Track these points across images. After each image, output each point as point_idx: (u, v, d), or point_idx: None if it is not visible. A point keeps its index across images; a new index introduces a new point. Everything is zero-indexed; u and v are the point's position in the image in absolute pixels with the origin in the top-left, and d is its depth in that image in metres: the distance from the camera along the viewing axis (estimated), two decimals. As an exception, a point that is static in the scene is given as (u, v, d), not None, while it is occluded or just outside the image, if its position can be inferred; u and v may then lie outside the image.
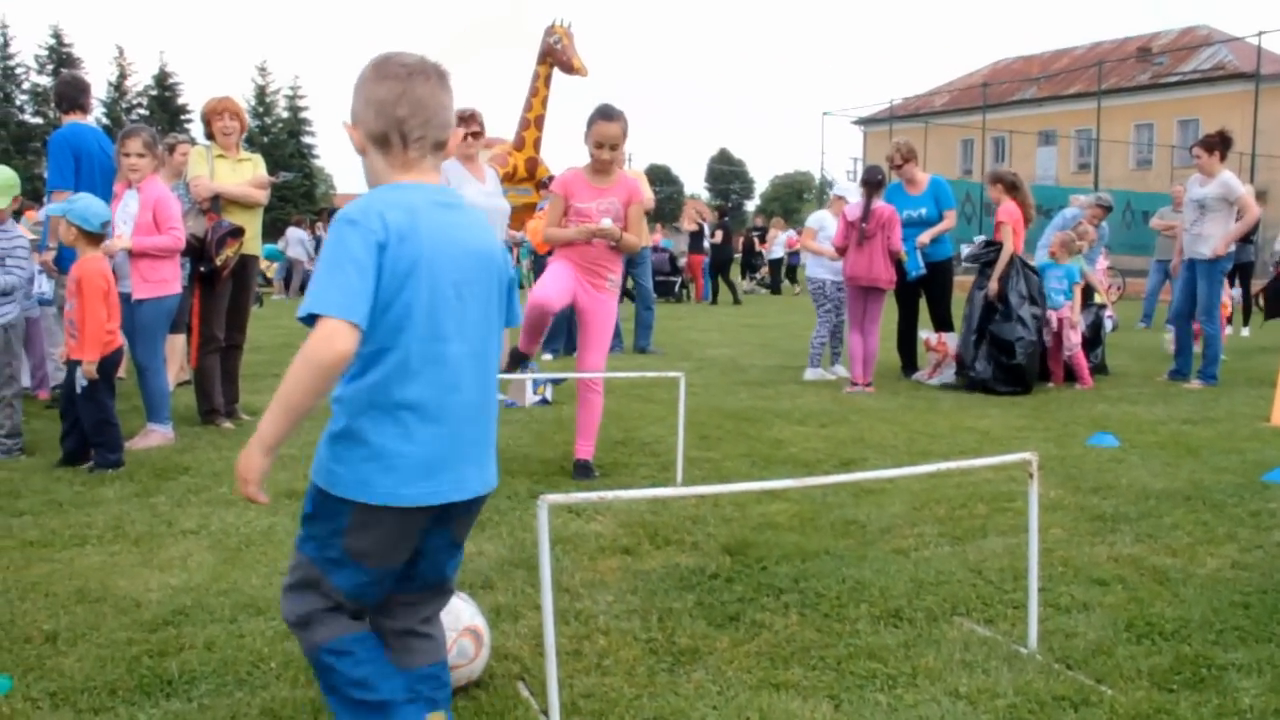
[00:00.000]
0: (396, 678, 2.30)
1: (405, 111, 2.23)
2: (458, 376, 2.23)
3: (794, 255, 26.56)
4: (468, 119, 7.56)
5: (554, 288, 5.42)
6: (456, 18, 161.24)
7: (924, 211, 9.33)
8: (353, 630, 2.28)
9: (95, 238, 5.60)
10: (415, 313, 2.17)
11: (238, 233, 6.70)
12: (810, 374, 9.59)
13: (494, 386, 2.36)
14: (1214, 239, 8.77)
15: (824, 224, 9.73)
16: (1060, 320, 9.00)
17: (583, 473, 5.49)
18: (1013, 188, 9.06)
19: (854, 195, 9.60)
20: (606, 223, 5.41)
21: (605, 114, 5.42)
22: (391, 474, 2.18)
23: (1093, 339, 9.61)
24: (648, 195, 11.28)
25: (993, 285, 8.72)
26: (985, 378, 8.64)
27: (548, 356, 10.84)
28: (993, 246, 9.00)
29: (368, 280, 2.11)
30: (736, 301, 22.26)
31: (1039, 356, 8.84)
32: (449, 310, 2.21)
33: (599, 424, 5.66)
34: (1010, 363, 8.57)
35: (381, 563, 2.26)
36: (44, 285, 7.86)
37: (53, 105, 7.57)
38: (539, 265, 13.09)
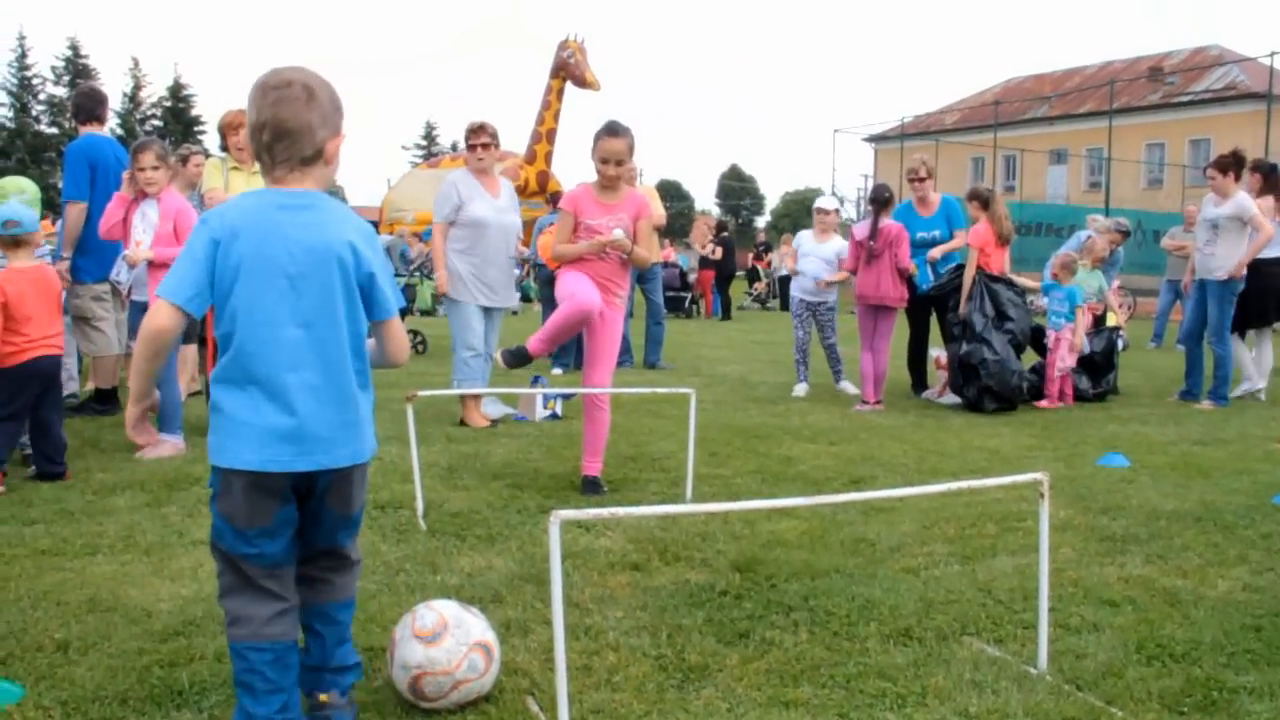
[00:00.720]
0: (276, 698, 2.52)
1: (269, 137, 2.52)
2: (297, 358, 2.50)
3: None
4: (477, 130, 7.46)
5: (588, 288, 5.33)
6: (456, 18, 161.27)
7: (937, 234, 9.32)
8: (254, 639, 2.53)
9: (5, 242, 5.46)
10: (247, 301, 2.48)
11: None
12: (796, 389, 9.70)
13: (347, 367, 2.58)
14: (1228, 259, 8.76)
15: (801, 243, 9.79)
16: (1059, 340, 8.98)
17: (592, 489, 5.49)
18: (986, 205, 9.06)
19: (831, 205, 9.77)
20: (618, 233, 5.38)
21: (611, 130, 5.41)
22: (238, 440, 2.49)
23: (1105, 363, 9.58)
24: (659, 211, 11.30)
25: (962, 308, 8.74)
26: (973, 399, 8.69)
27: (557, 371, 10.86)
28: (961, 270, 9.00)
29: (199, 269, 2.48)
30: (726, 316, 22.30)
31: (1023, 374, 8.77)
32: (282, 299, 2.49)
33: (606, 440, 5.64)
34: (982, 384, 8.58)
35: (249, 524, 2.51)
36: None
37: (70, 116, 7.63)
38: (543, 279, 12.99)
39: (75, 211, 7.34)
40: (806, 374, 9.78)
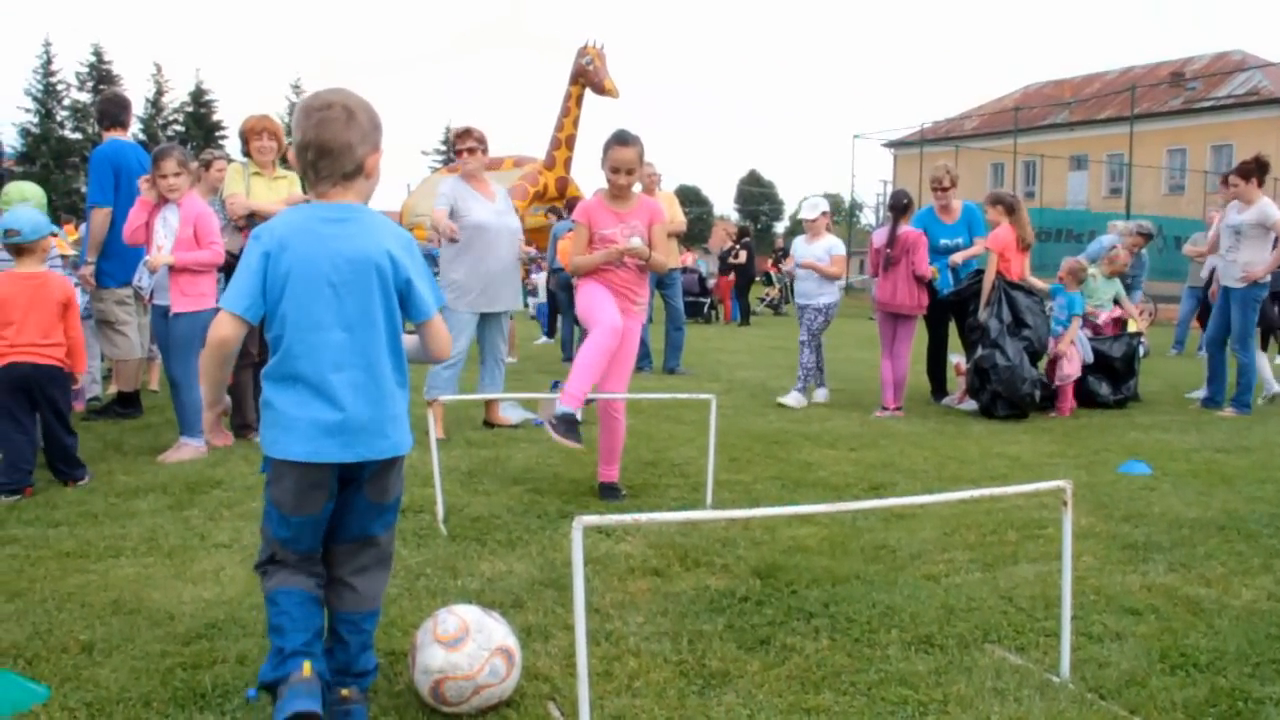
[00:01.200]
0: (300, 634, 2.73)
1: (313, 156, 2.73)
2: (340, 358, 2.72)
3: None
4: (463, 135, 7.32)
5: (610, 306, 5.33)
6: (456, 18, 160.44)
7: (960, 241, 9.30)
8: (284, 585, 2.76)
9: (10, 249, 5.55)
10: (295, 307, 2.71)
11: None
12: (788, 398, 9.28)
13: (386, 366, 2.79)
14: (1252, 265, 8.70)
15: (795, 249, 9.72)
16: (1056, 351, 8.91)
17: (610, 494, 5.49)
18: (1010, 210, 9.01)
19: (813, 214, 9.43)
20: (636, 241, 5.36)
21: (620, 139, 5.39)
22: (288, 434, 2.69)
23: (1126, 370, 9.52)
24: (679, 217, 11.28)
25: (981, 313, 8.72)
26: (986, 404, 8.69)
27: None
28: (980, 276, 8.96)
29: (253, 280, 2.71)
30: (745, 322, 22.32)
31: (1036, 381, 8.69)
32: (326, 305, 2.71)
33: (623, 446, 5.64)
34: (991, 389, 8.58)
35: (296, 511, 2.74)
36: (80, 299, 7.96)
37: (94, 121, 7.67)
38: (561, 283, 12.89)
39: (100, 216, 7.40)
40: (824, 378, 9.73)
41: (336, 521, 2.84)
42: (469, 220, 7.16)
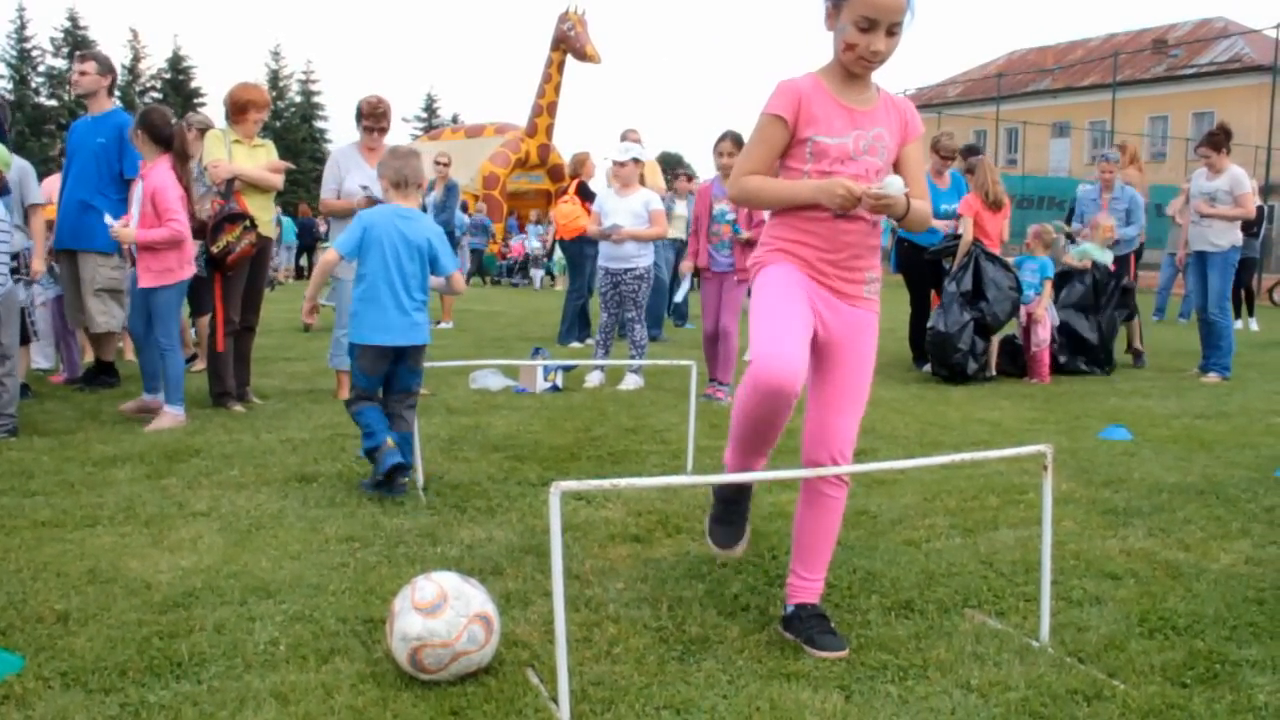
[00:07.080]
0: (382, 429, 4.71)
1: (402, 181, 4.92)
2: (391, 289, 4.74)
3: None
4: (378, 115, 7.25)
5: (787, 340, 2.96)
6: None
7: (954, 207, 9.36)
8: (367, 406, 4.77)
9: None
10: (371, 259, 4.76)
11: (235, 218, 6.60)
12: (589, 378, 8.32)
13: (417, 296, 4.81)
14: (1226, 231, 8.83)
15: (602, 204, 8.28)
16: (1029, 315, 8.93)
17: (813, 627, 3.12)
18: (971, 170, 9.07)
19: (625, 156, 7.99)
20: (894, 183, 2.93)
21: None
22: (365, 329, 4.75)
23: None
24: (660, 184, 11.12)
25: (951, 275, 8.86)
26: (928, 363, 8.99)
27: (574, 344, 10.82)
28: (959, 240, 9.00)
29: (355, 239, 4.77)
30: None
31: (971, 354, 8.73)
32: (386, 261, 4.75)
33: (834, 543, 3.33)
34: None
35: (372, 372, 4.78)
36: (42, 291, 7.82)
37: (110, 89, 7.34)
38: (569, 254, 11.77)
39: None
40: (604, 355, 8.21)
41: (392, 381, 4.84)
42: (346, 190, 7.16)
